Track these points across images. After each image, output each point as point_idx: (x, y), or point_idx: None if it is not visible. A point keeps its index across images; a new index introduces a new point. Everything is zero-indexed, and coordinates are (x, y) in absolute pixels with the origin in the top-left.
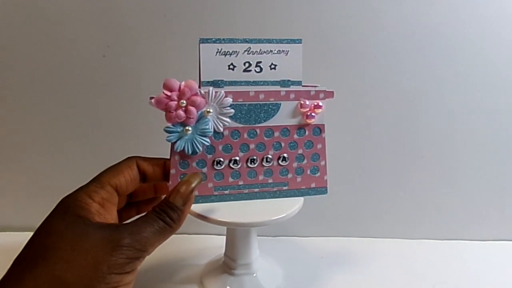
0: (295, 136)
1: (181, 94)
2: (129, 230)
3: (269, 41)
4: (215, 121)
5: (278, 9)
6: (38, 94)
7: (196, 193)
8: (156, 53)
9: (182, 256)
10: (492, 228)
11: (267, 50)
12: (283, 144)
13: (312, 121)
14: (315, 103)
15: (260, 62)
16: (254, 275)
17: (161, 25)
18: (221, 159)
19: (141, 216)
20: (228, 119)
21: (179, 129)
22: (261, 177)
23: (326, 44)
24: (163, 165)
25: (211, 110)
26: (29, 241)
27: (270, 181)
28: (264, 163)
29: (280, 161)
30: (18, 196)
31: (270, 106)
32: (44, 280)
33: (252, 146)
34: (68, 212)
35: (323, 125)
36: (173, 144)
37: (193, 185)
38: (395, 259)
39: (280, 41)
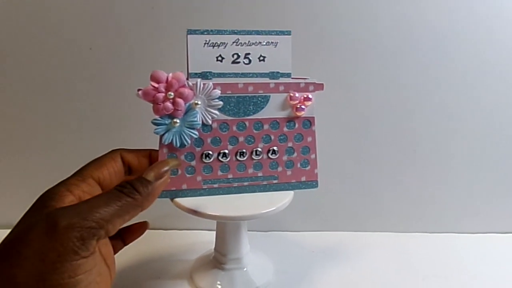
0: (285, 129)
1: (168, 86)
2: (78, 209)
3: (258, 32)
4: (204, 113)
5: (267, 0)
6: (31, 91)
7: (186, 187)
8: (143, 45)
9: (172, 252)
10: (483, 221)
11: (256, 42)
12: (272, 137)
13: (301, 114)
14: (305, 96)
15: (249, 53)
16: (245, 269)
17: (149, 17)
18: (210, 152)
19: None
20: (216, 112)
21: (167, 122)
22: (250, 171)
23: (316, 36)
24: (149, 156)
25: (199, 102)
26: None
27: (260, 174)
28: (253, 156)
29: (269, 154)
30: (18, 194)
31: (259, 99)
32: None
33: (241, 139)
34: (40, 206)
35: (313, 117)
36: (161, 137)
37: (168, 166)
38: (386, 253)
39: (269, 33)
